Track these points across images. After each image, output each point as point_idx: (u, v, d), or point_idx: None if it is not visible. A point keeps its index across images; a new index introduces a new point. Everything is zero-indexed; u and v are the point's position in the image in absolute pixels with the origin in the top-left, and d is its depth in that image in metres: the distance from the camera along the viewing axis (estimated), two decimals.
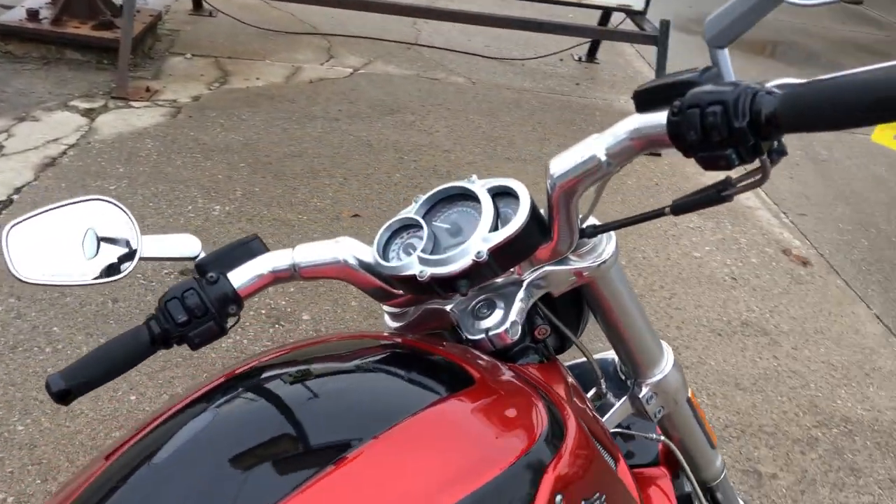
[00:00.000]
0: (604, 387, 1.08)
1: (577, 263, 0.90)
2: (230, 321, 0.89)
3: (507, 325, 0.88)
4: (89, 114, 3.72)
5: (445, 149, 3.90)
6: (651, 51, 5.38)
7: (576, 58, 5.70)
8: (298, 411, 0.73)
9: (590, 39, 5.60)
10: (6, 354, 2.19)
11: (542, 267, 0.90)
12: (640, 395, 1.06)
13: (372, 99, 4.37)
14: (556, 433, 0.73)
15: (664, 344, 1.08)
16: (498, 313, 0.89)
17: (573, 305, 1.01)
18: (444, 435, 0.70)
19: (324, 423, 0.73)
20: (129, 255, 0.90)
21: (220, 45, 4.85)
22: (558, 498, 0.68)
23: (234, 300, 0.87)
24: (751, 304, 3.02)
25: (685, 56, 5.59)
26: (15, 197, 2.95)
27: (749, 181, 0.73)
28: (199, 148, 3.50)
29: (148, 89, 4.05)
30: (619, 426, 1.11)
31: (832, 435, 2.38)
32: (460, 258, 0.84)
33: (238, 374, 0.80)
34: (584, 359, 1.06)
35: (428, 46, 5.36)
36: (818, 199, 4.08)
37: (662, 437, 1.14)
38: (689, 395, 1.14)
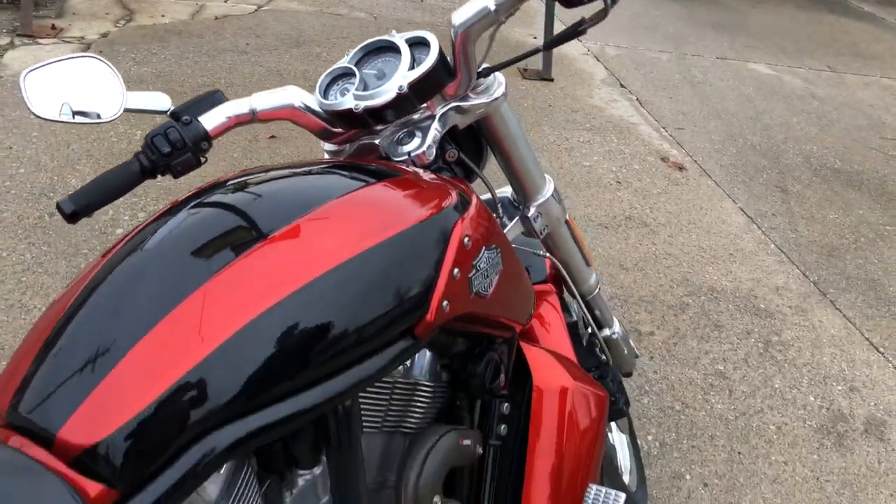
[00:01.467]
0: (500, 212, 1.38)
1: (475, 100, 1.18)
2: (202, 158, 1.12)
3: (425, 147, 1.14)
4: None
5: None
6: None
7: None
8: (248, 204, 0.91)
9: None
10: None
11: (449, 103, 1.17)
12: (529, 215, 1.36)
13: (278, 33, 4.51)
14: (464, 203, 1.01)
15: (547, 176, 1.38)
16: (417, 140, 1.15)
17: (475, 147, 1.30)
18: (375, 201, 0.95)
19: (270, 209, 0.91)
20: (117, 104, 1.11)
21: None
22: (466, 239, 0.96)
23: (206, 138, 1.11)
24: (633, 203, 3.40)
25: None
26: None
27: (596, 18, 1.02)
28: None
29: (54, 27, 4.08)
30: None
31: (700, 301, 2.79)
32: (386, 92, 1.10)
33: (203, 189, 0.98)
34: (486, 195, 1.35)
35: None
36: (694, 116, 4.50)
37: (547, 254, 1.45)
38: (567, 218, 1.45)
